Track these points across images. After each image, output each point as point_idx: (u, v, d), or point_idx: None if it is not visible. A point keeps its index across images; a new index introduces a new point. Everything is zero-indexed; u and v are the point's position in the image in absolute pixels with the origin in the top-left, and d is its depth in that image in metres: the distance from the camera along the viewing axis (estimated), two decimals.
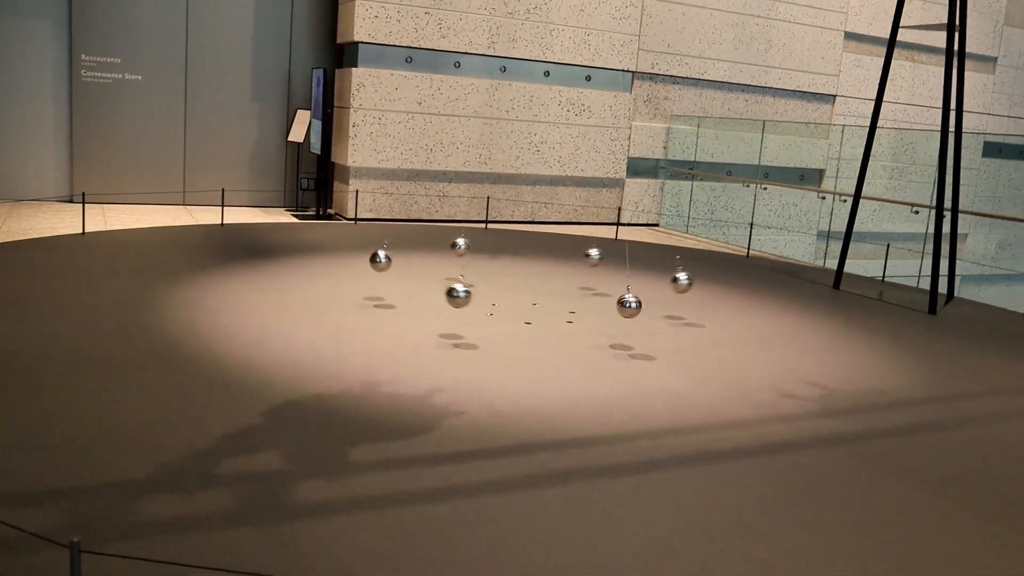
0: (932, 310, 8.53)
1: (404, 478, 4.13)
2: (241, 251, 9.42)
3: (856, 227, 15.63)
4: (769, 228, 15.03)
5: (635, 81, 14.94)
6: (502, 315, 7.34)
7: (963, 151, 17.01)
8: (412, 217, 13.61)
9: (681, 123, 15.28)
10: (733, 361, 6.50)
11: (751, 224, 13.53)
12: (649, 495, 4.12)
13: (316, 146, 13.43)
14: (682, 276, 7.45)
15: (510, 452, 4.51)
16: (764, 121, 14.98)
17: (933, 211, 11.08)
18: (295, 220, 12.69)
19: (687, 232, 15.02)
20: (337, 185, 13.87)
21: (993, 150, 15.85)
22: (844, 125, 15.84)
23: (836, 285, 9.63)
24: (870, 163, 15.39)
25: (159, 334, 6.12)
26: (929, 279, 8.69)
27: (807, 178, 16.12)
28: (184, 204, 13.32)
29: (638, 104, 15.01)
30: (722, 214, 15.43)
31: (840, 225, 15.11)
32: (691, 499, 4.12)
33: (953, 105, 12.67)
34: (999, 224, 15.04)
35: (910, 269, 16.04)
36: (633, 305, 6.54)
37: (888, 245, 10.90)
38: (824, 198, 13.34)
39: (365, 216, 13.21)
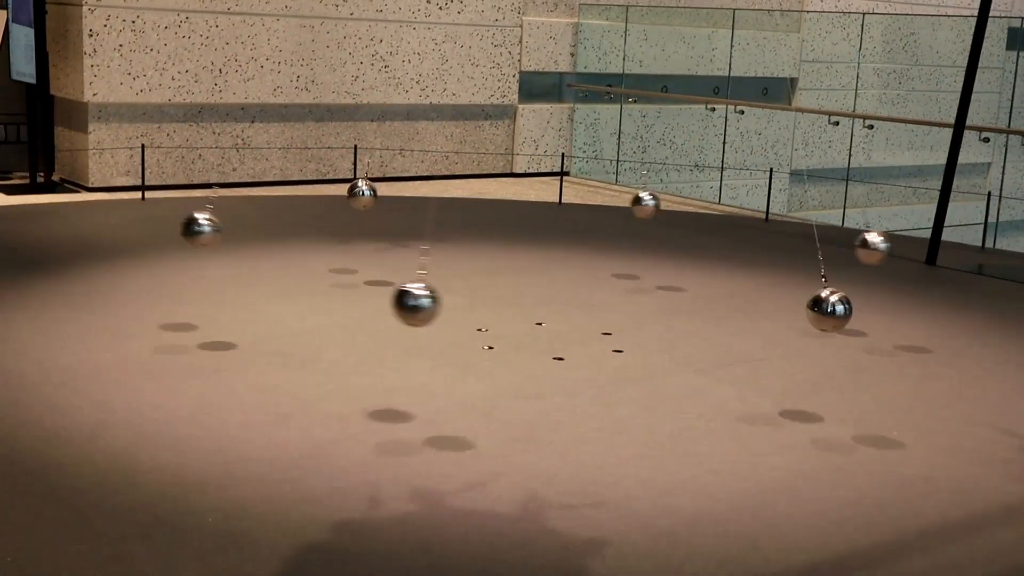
0: None
1: None
2: None
3: (831, 162, 16.22)
4: (728, 169, 15.23)
5: None
6: (502, 348, 6.86)
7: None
8: (196, 182, 12.64)
9: (595, 15, 15.10)
10: (902, 397, 6.37)
11: (722, 167, 13.63)
12: None
13: (24, 70, 12.08)
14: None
15: None
16: (734, 9, 15.09)
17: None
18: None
19: (616, 183, 14.91)
20: (64, 134, 12.60)
21: (1018, 40, 16.85)
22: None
23: (931, 259, 9.80)
24: (858, 67, 15.95)
25: None
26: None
27: (771, 92, 16.46)
28: None
29: None
30: (658, 151, 15.47)
31: (831, 160, 15.57)
32: None
33: None
34: None
35: (915, 218, 16.84)
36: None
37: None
38: (838, 123, 13.67)
39: (118, 184, 12.10)
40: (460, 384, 6.22)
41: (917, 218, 16.77)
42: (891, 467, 5.35)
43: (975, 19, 9.54)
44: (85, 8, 11.77)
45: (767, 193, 12.12)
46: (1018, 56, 14.85)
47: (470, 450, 5.29)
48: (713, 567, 4.28)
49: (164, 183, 12.37)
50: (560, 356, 6.76)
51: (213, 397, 5.80)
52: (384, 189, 12.90)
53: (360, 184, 8.95)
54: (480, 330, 7.20)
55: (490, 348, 6.81)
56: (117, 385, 5.91)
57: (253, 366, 6.33)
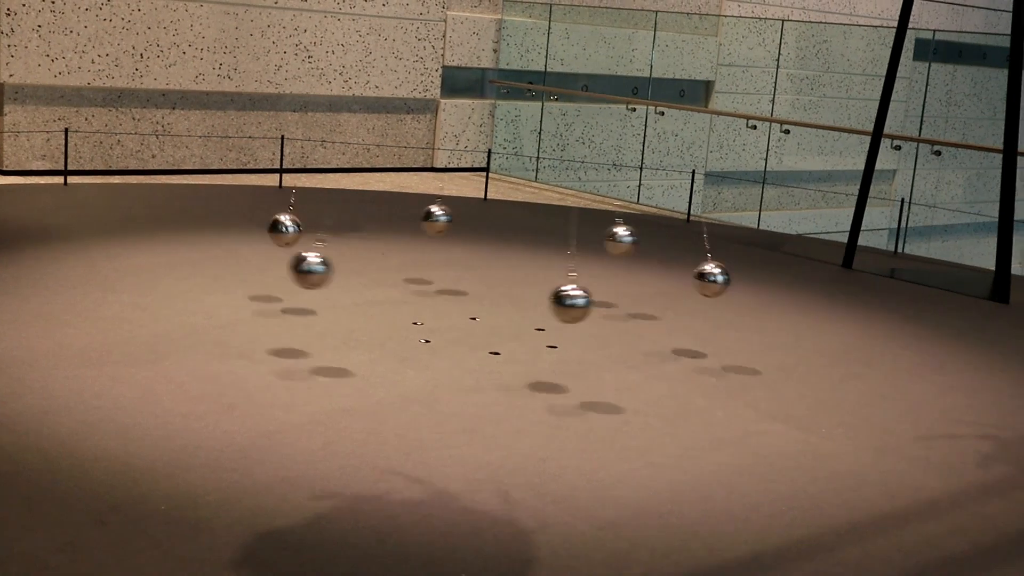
0: (1004, 297, 9.20)
1: None
2: None
3: (744, 165, 16.57)
4: (645, 169, 15.45)
5: None
6: (439, 342, 6.95)
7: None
8: (115, 167, 12.51)
9: (518, 12, 15.21)
10: (828, 395, 6.58)
11: (641, 167, 13.83)
12: None
13: None
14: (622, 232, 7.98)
15: None
16: (656, 11, 15.30)
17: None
18: None
19: (536, 180, 15.04)
20: None
21: (925, 51, 17.35)
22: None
23: (847, 263, 10.06)
24: (772, 73, 16.30)
25: None
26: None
27: (690, 94, 16.74)
28: None
29: None
30: (577, 150, 15.64)
31: (745, 163, 15.89)
32: None
33: None
34: (952, 157, 16.51)
35: (823, 221, 17.26)
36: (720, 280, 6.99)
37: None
38: (756, 127, 13.94)
39: (34, 168, 11.94)
40: (400, 377, 6.28)
41: (826, 222, 17.22)
42: (822, 463, 5.54)
43: (885, 29, 9.88)
44: None
45: (689, 194, 12.34)
46: (929, 67, 15.32)
47: (415, 442, 5.37)
48: (658, 558, 4.42)
49: (81, 168, 12.21)
50: (496, 351, 6.86)
51: (155, 386, 5.80)
52: (305, 180, 12.92)
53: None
54: (416, 323, 7.28)
55: (427, 342, 6.89)
56: (57, 372, 5.87)
57: (192, 356, 6.33)
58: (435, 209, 8.17)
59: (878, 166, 10.39)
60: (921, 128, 14.12)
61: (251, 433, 5.29)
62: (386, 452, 5.22)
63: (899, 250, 11.57)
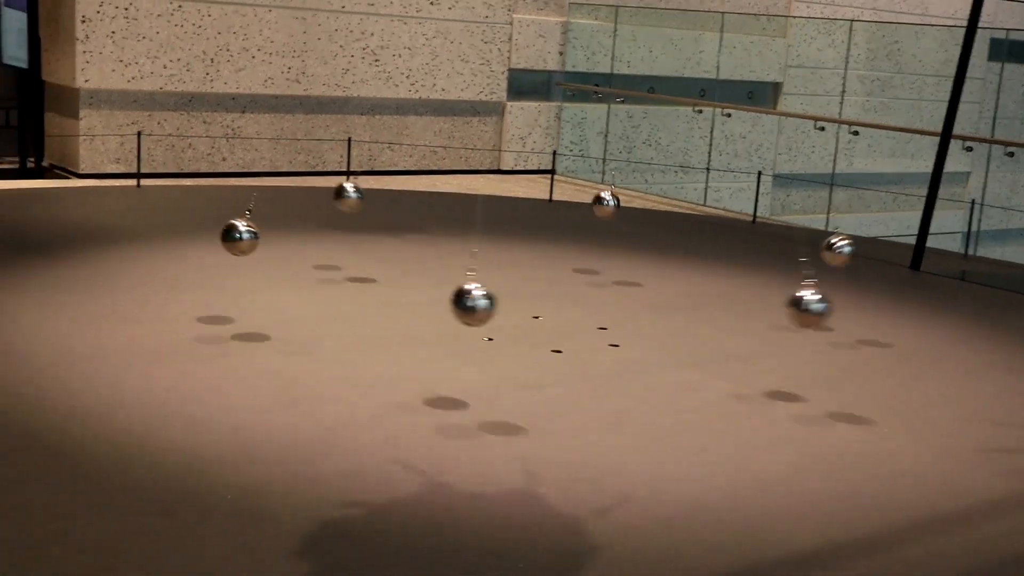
0: None
1: None
2: None
3: (813, 167, 16.48)
4: (712, 171, 15.44)
5: None
6: (501, 340, 7.04)
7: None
8: (186, 170, 12.76)
9: (584, 15, 15.27)
10: (892, 395, 6.59)
11: (708, 169, 13.83)
12: None
13: (15, 54, 12.17)
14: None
15: None
16: (722, 13, 15.30)
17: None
18: None
19: (602, 182, 15.08)
20: (54, 119, 12.68)
21: (1003, 51, 17.12)
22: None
23: (916, 265, 10.01)
24: (842, 74, 16.19)
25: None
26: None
27: (757, 95, 16.69)
28: None
29: None
30: (644, 152, 15.67)
31: (814, 165, 15.81)
32: None
33: None
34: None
35: (895, 224, 17.12)
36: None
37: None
38: (824, 128, 13.89)
39: (108, 171, 12.22)
40: (462, 373, 6.39)
41: (897, 225, 17.06)
42: (882, 462, 5.55)
43: (958, 29, 9.80)
44: None
45: (755, 196, 12.33)
46: (1002, 67, 15.14)
47: (474, 437, 5.46)
48: (713, 553, 4.47)
49: (154, 171, 12.47)
50: (558, 349, 6.94)
51: (222, 381, 5.96)
52: (372, 182, 13.07)
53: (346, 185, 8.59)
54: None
55: (490, 339, 6.98)
56: (127, 368, 6.05)
57: (258, 352, 6.48)
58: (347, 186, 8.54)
59: (951, 168, 10.33)
60: (994, 129, 13.98)
61: (315, 427, 5.42)
62: (446, 446, 5.32)
63: (970, 252, 11.48)
